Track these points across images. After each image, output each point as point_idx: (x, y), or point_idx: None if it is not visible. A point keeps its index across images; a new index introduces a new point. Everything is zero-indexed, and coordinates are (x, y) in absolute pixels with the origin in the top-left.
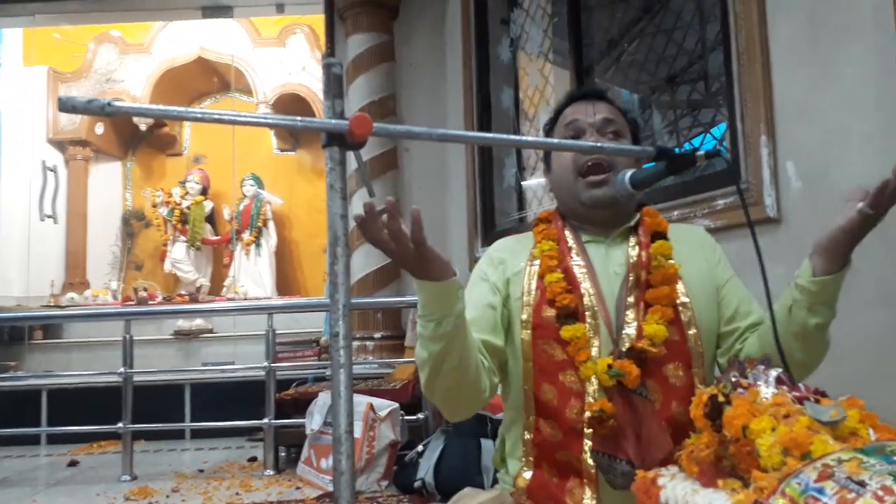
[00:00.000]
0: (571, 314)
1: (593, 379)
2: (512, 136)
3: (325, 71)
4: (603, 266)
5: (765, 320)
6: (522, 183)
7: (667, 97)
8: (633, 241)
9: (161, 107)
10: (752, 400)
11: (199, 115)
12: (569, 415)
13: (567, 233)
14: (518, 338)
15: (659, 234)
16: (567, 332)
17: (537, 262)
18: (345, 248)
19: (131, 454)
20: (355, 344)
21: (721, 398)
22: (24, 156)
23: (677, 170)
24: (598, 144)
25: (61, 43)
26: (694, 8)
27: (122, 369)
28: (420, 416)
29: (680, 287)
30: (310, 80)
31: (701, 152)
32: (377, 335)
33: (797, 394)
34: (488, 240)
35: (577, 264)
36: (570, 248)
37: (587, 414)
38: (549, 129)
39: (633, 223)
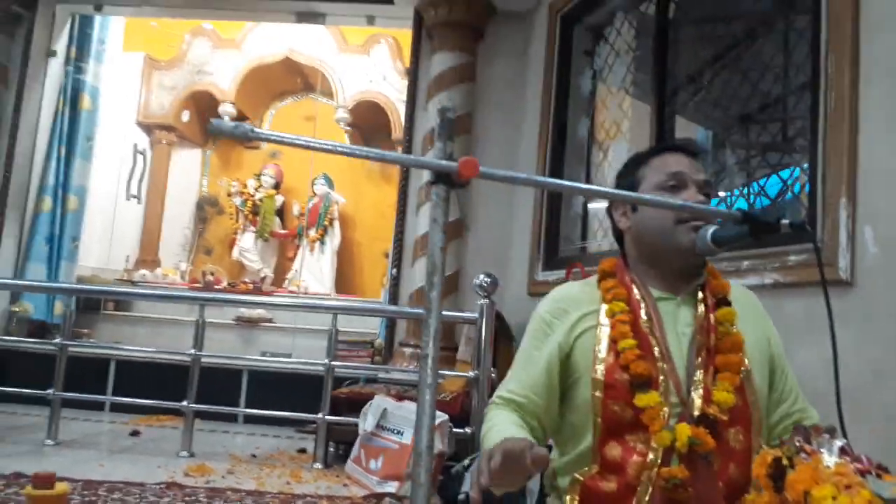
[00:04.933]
0: (645, 382)
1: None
2: (609, 189)
3: (440, 115)
4: (672, 325)
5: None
6: (589, 205)
7: (740, 136)
8: (700, 302)
9: (292, 136)
10: (815, 467)
11: (328, 147)
12: (629, 471)
13: (636, 290)
14: (587, 392)
15: (724, 300)
16: (641, 400)
17: (607, 321)
18: (441, 276)
19: (192, 432)
20: (408, 351)
21: (785, 461)
22: (117, 136)
23: (760, 235)
24: (691, 204)
25: (158, 32)
26: (780, 53)
27: (192, 350)
28: (468, 430)
29: None
30: (388, 90)
31: (785, 221)
32: None
33: (859, 466)
34: (550, 265)
35: (647, 325)
36: (640, 306)
37: (650, 474)
38: (634, 170)
39: (701, 281)
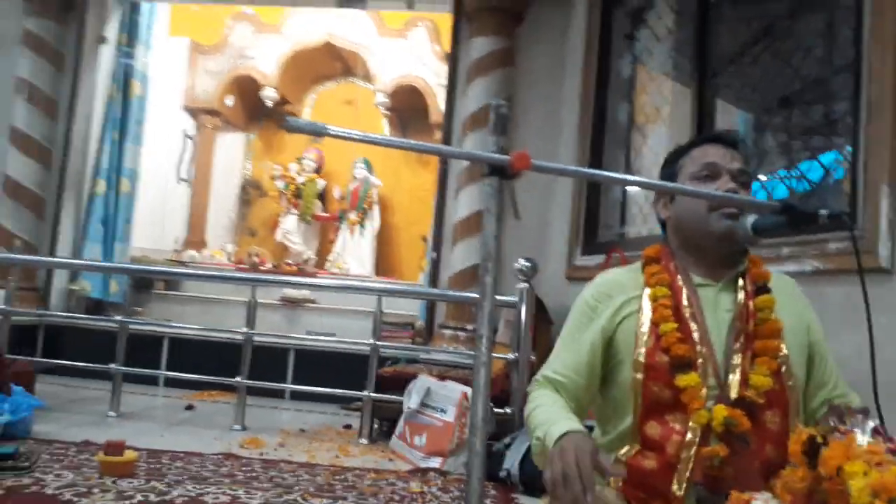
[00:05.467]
0: (685, 364)
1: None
2: (652, 181)
3: (494, 111)
4: (712, 310)
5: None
6: (628, 191)
7: (781, 119)
8: (740, 288)
9: (360, 133)
10: (849, 445)
11: (392, 142)
12: (669, 450)
13: (678, 276)
14: (629, 374)
15: (763, 287)
16: (682, 381)
17: (649, 304)
18: (494, 263)
19: (244, 407)
20: (447, 333)
21: (820, 439)
22: (165, 121)
23: (799, 225)
24: (728, 195)
25: (202, 17)
26: (821, 35)
27: (244, 329)
28: (508, 410)
29: None
30: (427, 74)
31: (824, 212)
32: (469, 327)
33: (891, 445)
34: (589, 250)
35: (688, 310)
36: (681, 292)
37: (689, 452)
38: (674, 161)
39: (741, 269)
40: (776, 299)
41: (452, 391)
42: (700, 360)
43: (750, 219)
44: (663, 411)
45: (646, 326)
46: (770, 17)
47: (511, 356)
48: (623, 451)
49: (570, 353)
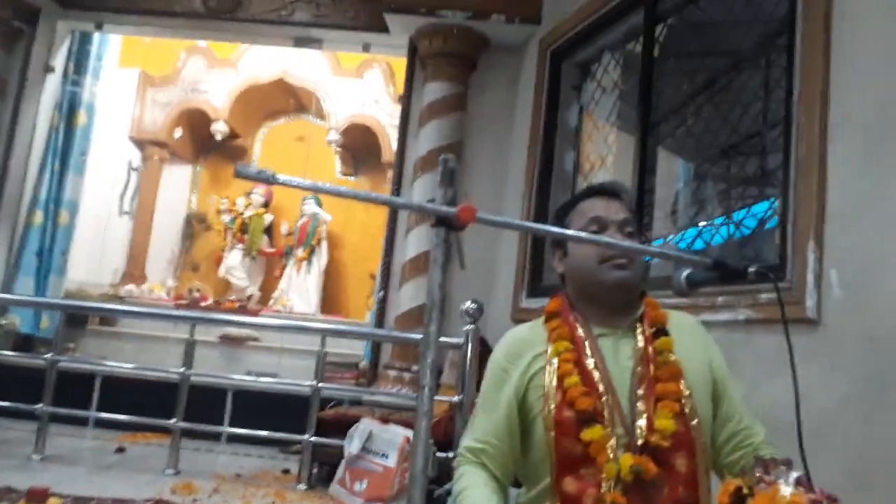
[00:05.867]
0: (590, 417)
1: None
2: (591, 236)
3: (442, 164)
4: (613, 359)
5: (762, 446)
6: None
7: (720, 169)
8: (639, 333)
9: (311, 182)
10: (773, 496)
11: (343, 192)
12: (585, 502)
13: (579, 328)
14: (541, 431)
15: (661, 329)
16: (587, 434)
17: (555, 360)
18: (439, 312)
19: (178, 450)
20: (392, 374)
21: (745, 490)
22: (110, 152)
23: (729, 280)
24: (660, 250)
25: (154, 48)
26: (758, 90)
27: (181, 369)
28: (451, 454)
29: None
30: (380, 114)
31: (752, 269)
32: (414, 368)
33: (813, 497)
34: (534, 293)
35: (591, 361)
36: (583, 344)
37: None
38: (563, 216)
39: (638, 315)
40: (675, 339)
41: (395, 435)
42: (606, 411)
43: (685, 272)
44: (577, 466)
45: (553, 382)
46: (711, 72)
47: (455, 398)
48: None
49: (487, 419)
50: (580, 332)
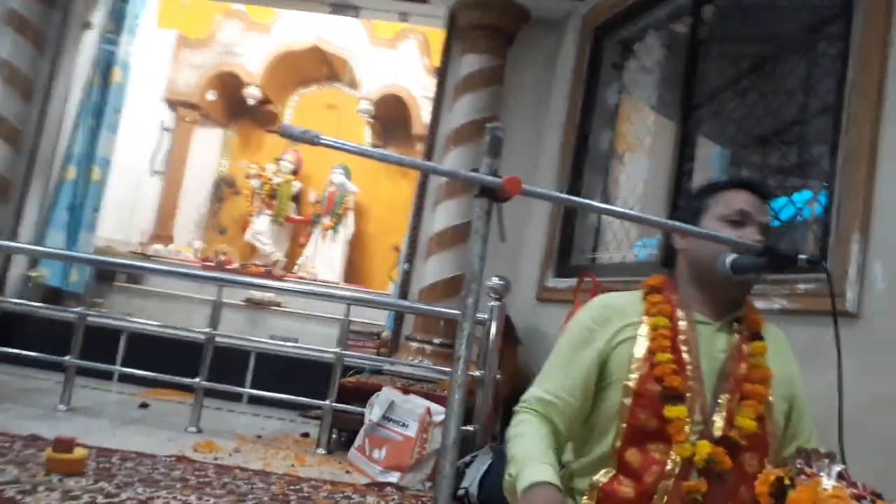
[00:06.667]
0: (676, 395)
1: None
2: (646, 216)
3: (489, 133)
4: (707, 348)
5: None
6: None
7: (757, 157)
8: (735, 332)
9: (354, 145)
10: (814, 488)
11: (386, 157)
12: (647, 479)
13: (679, 310)
14: (616, 399)
15: (757, 334)
16: (670, 412)
17: (646, 332)
18: (478, 285)
19: (201, 408)
20: (414, 346)
21: (787, 481)
22: (143, 111)
23: (777, 268)
24: (713, 233)
25: (191, 10)
26: (803, 79)
27: (206, 329)
28: (470, 427)
29: None
30: (413, 85)
31: (803, 256)
32: (436, 341)
33: (855, 491)
34: (561, 273)
35: (685, 343)
36: (680, 326)
37: (667, 483)
38: (703, 198)
39: (740, 313)
40: (767, 347)
41: (416, 406)
42: (689, 395)
43: (730, 257)
44: (646, 440)
45: (640, 353)
46: (756, 57)
47: (477, 373)
48: (599, 474)
49: (564, 374)
50: (680, 313)
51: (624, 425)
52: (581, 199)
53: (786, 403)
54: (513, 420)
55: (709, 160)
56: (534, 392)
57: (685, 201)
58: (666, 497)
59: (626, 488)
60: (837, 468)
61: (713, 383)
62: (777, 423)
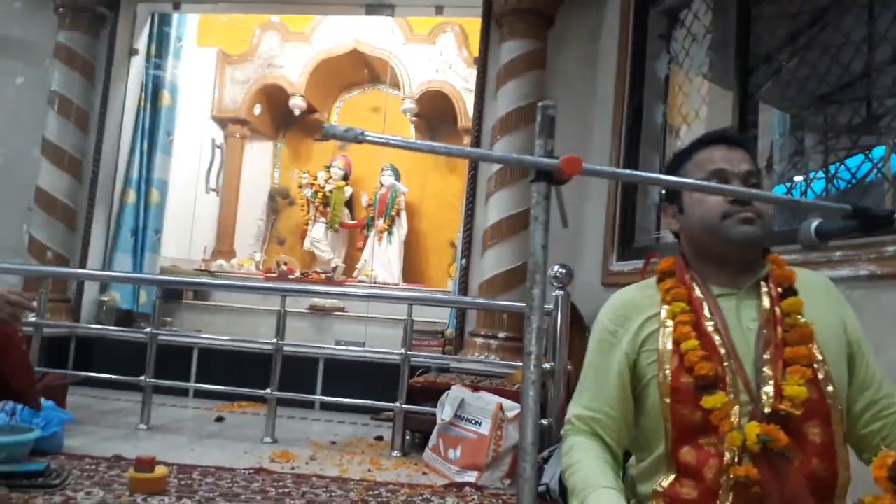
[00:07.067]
0: (711, 383)
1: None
2: (706, 183)
3: (541, 112)
4: (736, 321)
5: None
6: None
7: (821, 118)
8: (764, 294)
9: (397, 138)
10: None
11: (432, 147)
12: (706, 474)
13: (696, 289)
14: (656, 398)
15: (789, 289)
16: (708, 402)
17: (669, 323)
18: (543, 275)
19: (275, 418)
20: (479, 341)
21: None
22: (194, 131)
23: (871, 229)
24: (796, 199)
25: (230, 27)
26: (862, 28)
27: (274, 339)
28: (545, 421)
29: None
30: (455, 79)
31: None
32: (501, 335)
33: None
34: (625, 255)
35: (710, 323)
36: (701, 305)
37: (728, 477)
38: (677, 167)
39: (763, 273)
40: (805, 300)
41: (487, 403)
42: (729, 377)
43: (815, 222)
44: (696, 435)
45: (668, 346)
46: (813, 12)
47: (547, 366)
48: (659, 480)
49: (597, 386)
50: (698, 292)
51: (669, 425)
52: (645, 174)
53: (843, 354)
54: (563, 446)
55: (771, 125)
56: (574, 411)
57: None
58: (731, 492)
59: (689, 489)
60: None
61: (752, 357)
62: (837, 380)
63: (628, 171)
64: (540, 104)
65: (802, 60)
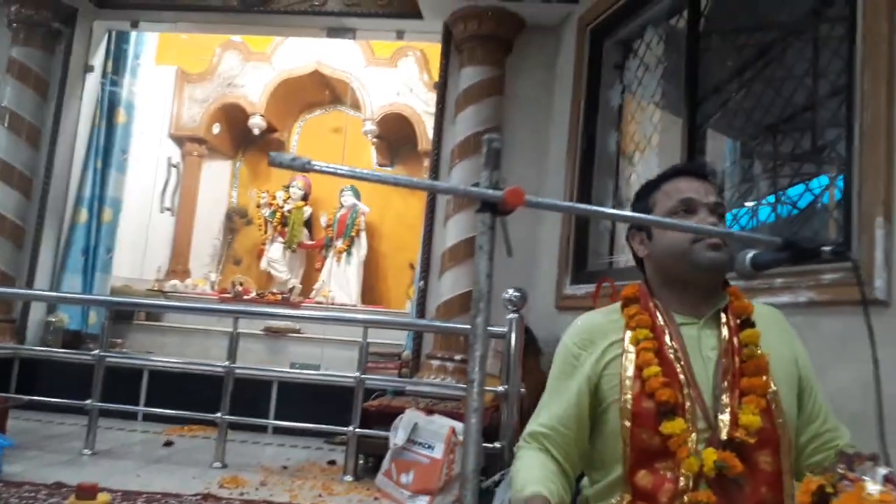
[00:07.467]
0: (671, 409)
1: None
2: (653, 218)
3: (486, 145)
4: (695, 349)
5: (846, 449)
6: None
7: (769, 146)
8: (723, 324)
9: (349, 168)
10: (859, 495)
11: (381, 178)
12: (661, 498)
13: (659, 316)
14: (616, 421)
15: (747, 321)
16: (667, 428)
17: (632, 348)
18: (487, 303)
19: (225, 443)
20: (435, 364)
21: (829, 489)
22: (150, 149)
23: (800, 261)
24: (728, 230)
25: (190, 45)
26: (809, 63)
27: (225, 362)
28: (497, 444)
29: None
30: (416, 102)
31: (826, 248)
32: (457, 357)
33: None
34: (578, 279)
35: (672, 351)
36: (664, 332)
37: (684, 502)
38: (646, 196)
39: (724, 303)
40: (761, 332)
41: (440, 426)
42: (688, 404)
43: (749, 253)
44: (653, 459)
45: (630, 371)
46: (759, 46)
47: (500, 388)
48: (614, 502)
49: (556, 404)
50: (661, 319)
51: (628, 449)
52: (583, 206)
53: (793, 387)
54: (515, 458)
55: (720, 154)
56: (529, 428)
57: (633, 205)
58: None
59: None
60: (883, 471)
61: (711, 385)
62: (787, 412)
63: (567, 204)
64: (485, 137)
65: (749, 92)
